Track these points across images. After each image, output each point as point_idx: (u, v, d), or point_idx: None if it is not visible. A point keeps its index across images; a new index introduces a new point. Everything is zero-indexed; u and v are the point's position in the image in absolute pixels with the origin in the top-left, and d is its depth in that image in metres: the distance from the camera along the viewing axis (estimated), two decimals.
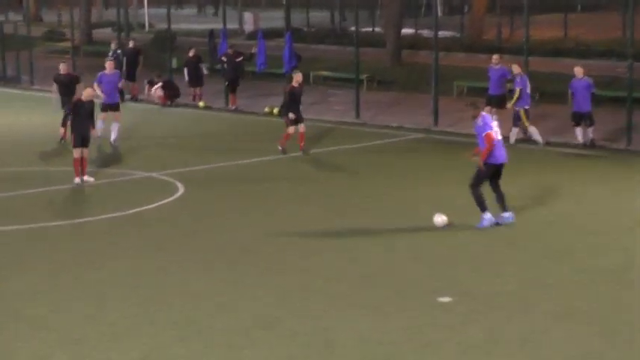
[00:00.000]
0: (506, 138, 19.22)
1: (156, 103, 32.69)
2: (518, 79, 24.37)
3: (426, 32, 48.09)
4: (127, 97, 32.81)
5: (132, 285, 13.61)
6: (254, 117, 30.34)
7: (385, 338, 11.40)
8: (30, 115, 31.62)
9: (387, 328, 11.71)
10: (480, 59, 35.61)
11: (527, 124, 24.27)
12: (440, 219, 16.32)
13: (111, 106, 25.31)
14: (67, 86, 25.38)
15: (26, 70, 39.55)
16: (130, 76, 33.49)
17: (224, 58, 32.27)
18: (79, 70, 38.28)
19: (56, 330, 11.87)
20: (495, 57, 26.63)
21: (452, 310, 12.31)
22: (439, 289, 13.11)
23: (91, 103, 20.57)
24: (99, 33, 55.54)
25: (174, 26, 39.39)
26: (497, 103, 25.76)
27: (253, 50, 34.11)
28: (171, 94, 32.87)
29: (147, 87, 33.67)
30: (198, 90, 32.90)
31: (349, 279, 13.75)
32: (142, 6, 64.78)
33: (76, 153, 20.17)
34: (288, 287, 13.40)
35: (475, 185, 16.24)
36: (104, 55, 34.55)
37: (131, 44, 34.71)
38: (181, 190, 19.68)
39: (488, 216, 16.24)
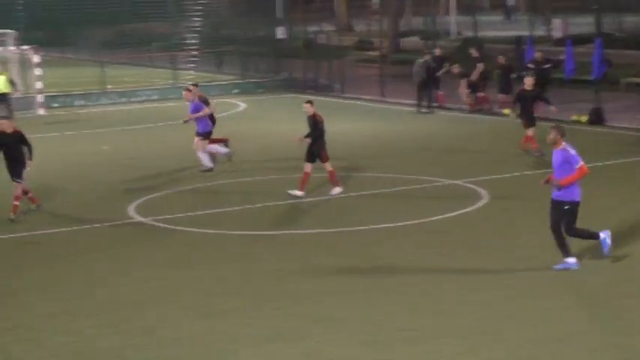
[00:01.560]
0: None
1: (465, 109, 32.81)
2: None
3: None
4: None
5: (418, 292, 13.71)
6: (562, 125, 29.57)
7: None
8: (341, 123, 32.56)
9: None
10: None
11: None
12: None
13: None
14: None
15: (337, 78, 40.82)
16: (435, 85, 33.77)
17: (531, 65, 31.82)
18: (387, 78, 39.11)
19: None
20: None
21: None
22: None
23: None
24: (406, 41, 56.42)
25: (480, 33, 39.27)
26: None
27: (562, 57, 33.45)
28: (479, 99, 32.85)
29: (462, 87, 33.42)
30: (505, 97, 32.58)
31: None
32: (449, 14, 65.11)
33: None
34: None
35: (570, 228, 14.46)
36: (411, 63, 35.04)
37: (437, 52, 34.99)
38: (485, 198, 19.58)
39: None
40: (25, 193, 19.48)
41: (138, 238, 17.55)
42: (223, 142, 24.66)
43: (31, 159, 19.03)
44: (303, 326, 12.45)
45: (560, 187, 14.24)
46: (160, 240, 17.40)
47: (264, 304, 13.44)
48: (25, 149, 19.03)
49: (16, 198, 19.01)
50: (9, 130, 18.97)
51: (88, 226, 18.52)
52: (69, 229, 18.39)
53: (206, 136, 23.75)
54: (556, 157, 14.36)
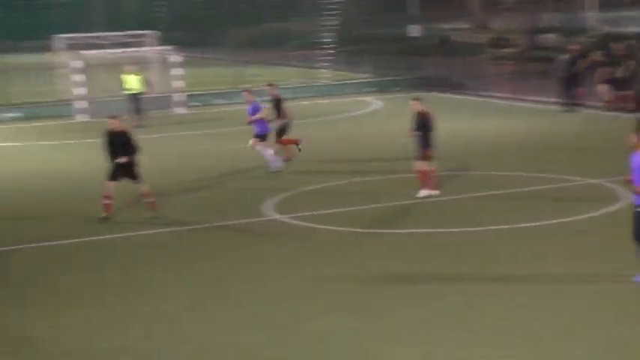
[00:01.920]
0: None
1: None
2: None
3: None
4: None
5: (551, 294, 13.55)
6: None
7: None
8: (474, 120, 32.35)
9: None
10: None
11: None
12: None
13: None
14: None
15: (471, 76, 40.54)
16: (575, 82, 33.19)
17: None
18: (523, 75, 38.63)
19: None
20: None
21: None
22: None
23: None
24: (544, 38, 55.50)
25: (621, 29, 38.42)
26: None
27: None
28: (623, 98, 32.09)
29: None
30: None
31: None
32: (590, 9, 63.74)
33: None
34: None
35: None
36: (549, 60, 34.58)
37: (574, 48, 34.42)
38: (623, 200, 19.20)
39: None
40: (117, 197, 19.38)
41: (275, 236, 17.82)
42: (296, 143, 24.77)
43: (128, 156, 18.88)
44: (436, 327, 12.48)
45: (636, 193, 13.58)
46: (298, 237, 17.64)
47: (404, 302, 13.50)
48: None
49: (146, 195, 19.34)
50: (117, 130, 19.08)
51: (227, 223, 18.88)
52: (211, 225, 18.81)
53: (263, 138, 24.02)
54: (635, 160, 13.60)
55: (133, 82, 34.28)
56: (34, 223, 19.70)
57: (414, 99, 20.54)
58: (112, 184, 19.20)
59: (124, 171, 19.12)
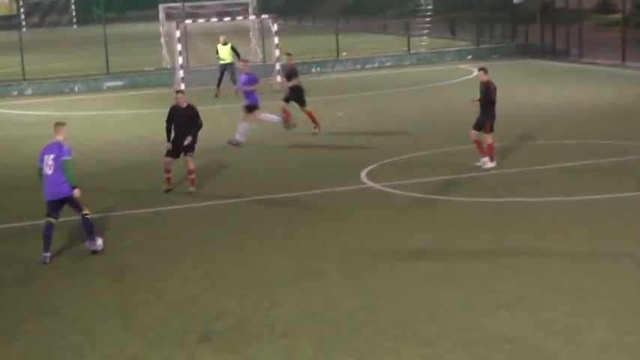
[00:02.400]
0: None
1: None
2: None
3: None
4: None
5: None
6: None
7: None
8: (578, 90, 31.65)
9: None
10: None
11: None
12: None
13: None
14: None
15: (575, 43, 39.66)
16: None
17: None
18: (629, 41, 37.64)
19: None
20: None
21: None
22: None
23: None
24: None
25: None
26: None
27: None
28: None
29: None
30: None
31: None
32: None
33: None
34: None
35: None
36: None
37: None
38: None
39: None
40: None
41: (372, 201, 17.70)
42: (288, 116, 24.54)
43: (192, 135, 18.71)
44: (539, 294, 12.21)
45: None
46: (392, 204, 17.49)
47: (503, 271, 13.26)
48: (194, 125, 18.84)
49: (191, 172, 18.94)
50: (183, 105, 18.83)
51: (324, 191, 18.83)
52: (308, 192, 18.78)
53: (251, 108, 23.75)
54: None
55: (223, 51, 34.46)
56: (120, 191, 19.90)
57: (481, 69, 20.12)
58: (170, 159, 18.99)
59: (183, 147, 18.82)
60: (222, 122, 26.57)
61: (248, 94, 23.92)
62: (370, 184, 19.17)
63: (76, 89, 37.51)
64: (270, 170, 21.19)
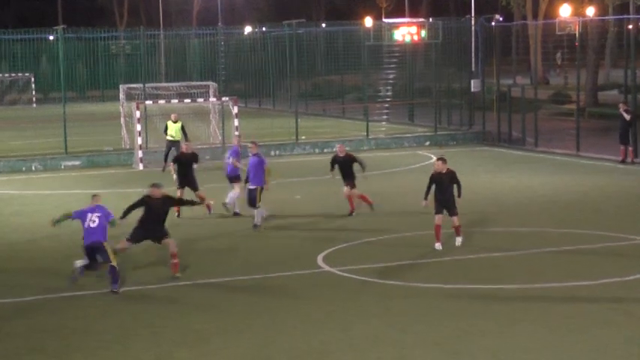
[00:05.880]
0: None
1: None
2: None
3: None
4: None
5: None
6: None
7: None
8: (534, 177, 32.00)
9: None
10: None
11: None
12: None
13: None
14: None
15: (531, 132, 40.22)
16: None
17: None
18: (583, 132, 38.23)
19: None
20: None
21: None
22: None
23: None
24: (605, 95, 55.07)
25: None
26: None
27: None
28: None
29: None
30: None
31: None
32: None
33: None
34: None
35: None
36: (610, 117, 34.19)
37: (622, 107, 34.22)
38: None
39: None
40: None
41: (328, 285, 17.67)
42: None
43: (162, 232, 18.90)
44: None
45: None
46: (348, 288, 17.47)
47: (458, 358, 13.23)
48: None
49: (173, 256, 18.72)
50: (157, 196, 18.78)
51: (280, 274, 18.78)
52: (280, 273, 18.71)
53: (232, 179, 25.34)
54: None
55: (172, 129, 35.29)
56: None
57: (439, 159, 20.84)
58: (130, 245, 18.85)
59: (151, 235, 18.81)
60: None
61: (233, 167, 25.42)
62: (327, 267, 19.15)
63: (33, 168, 37.32)
64: (227, 251, 21.12)
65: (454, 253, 19.98)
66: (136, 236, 18.76)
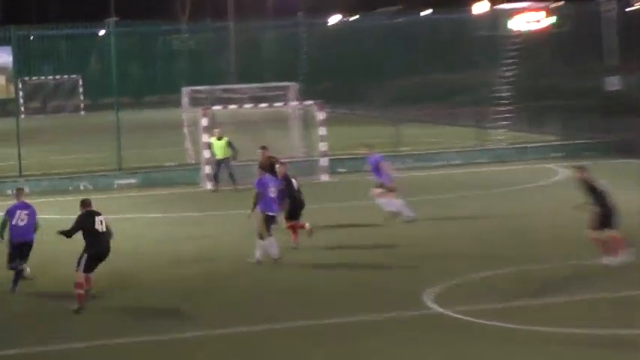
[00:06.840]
0: None
1: None
2: None
3: None
4: None
5: None
6: None
7: None
8: None
9: None
10: None
11: None
12: None
13: None
14: None
15: None
16: None
17: None
18: None
19: None
20: None
21: None
22: None
23: None
24: None
25: None
26: None
27: None
28: None
29: None
30: None
31: None
32: None
33: None
34: None
35: None
36: None
37: None
38: None
39: None
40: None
41: (441, 332, 17.32)
42: (302, 227, 24.64)
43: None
44: None
45: None
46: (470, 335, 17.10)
47: None
48: None
49: None
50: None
51: (375, 317, 18.49)
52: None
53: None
54: None
55: (217, 147, 36.05)
56: None
57: (578, 167, 22.13)
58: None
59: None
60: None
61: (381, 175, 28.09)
62: (438, 309, 18.74)
63: (82, 187, 37.62)
64: (306, 289, 20.85)
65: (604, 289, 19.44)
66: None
